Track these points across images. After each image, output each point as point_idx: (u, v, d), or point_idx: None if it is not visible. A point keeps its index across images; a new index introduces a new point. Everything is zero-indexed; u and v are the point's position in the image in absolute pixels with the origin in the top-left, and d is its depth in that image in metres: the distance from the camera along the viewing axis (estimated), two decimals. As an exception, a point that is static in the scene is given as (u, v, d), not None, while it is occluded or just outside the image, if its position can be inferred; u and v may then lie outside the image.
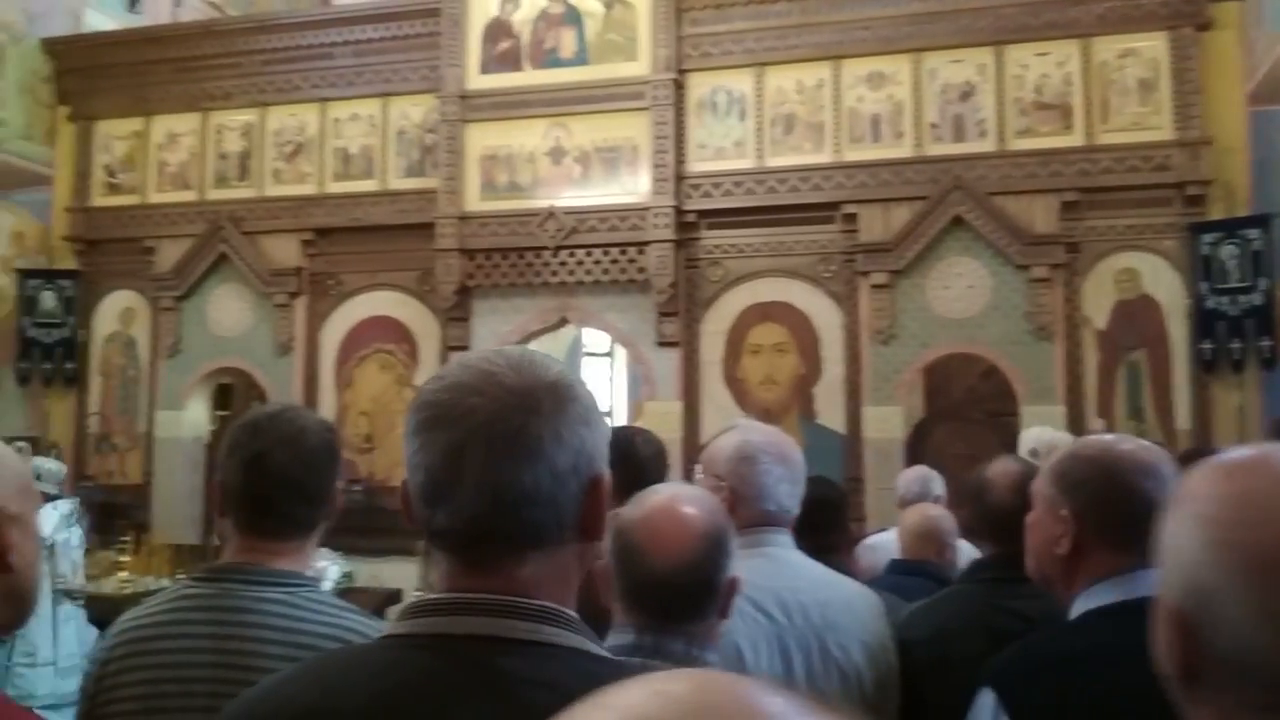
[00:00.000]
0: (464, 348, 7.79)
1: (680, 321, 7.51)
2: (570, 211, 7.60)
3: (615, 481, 1.04)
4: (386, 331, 8.27)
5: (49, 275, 8.93)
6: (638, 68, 7.60)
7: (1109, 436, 1.85)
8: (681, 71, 7.56)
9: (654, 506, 1.65)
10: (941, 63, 7.22)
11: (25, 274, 8.91)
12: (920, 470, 4.29)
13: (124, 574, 5.21)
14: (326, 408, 8.06)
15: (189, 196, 8.74)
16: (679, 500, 1.68)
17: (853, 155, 7.31)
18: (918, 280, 7.15)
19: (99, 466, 8.71)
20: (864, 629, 2.03)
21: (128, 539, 5.53)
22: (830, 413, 7.24)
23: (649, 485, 1.76)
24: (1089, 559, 1.62)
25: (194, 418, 8.66)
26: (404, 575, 7.01)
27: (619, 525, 1.63)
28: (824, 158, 7.36)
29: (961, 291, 7.08)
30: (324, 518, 1.70)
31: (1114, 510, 1.60)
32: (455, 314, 7.92)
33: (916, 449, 7.16)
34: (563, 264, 7.64)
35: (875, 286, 7.18)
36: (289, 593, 1.58)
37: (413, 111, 8.24)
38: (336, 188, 8.39)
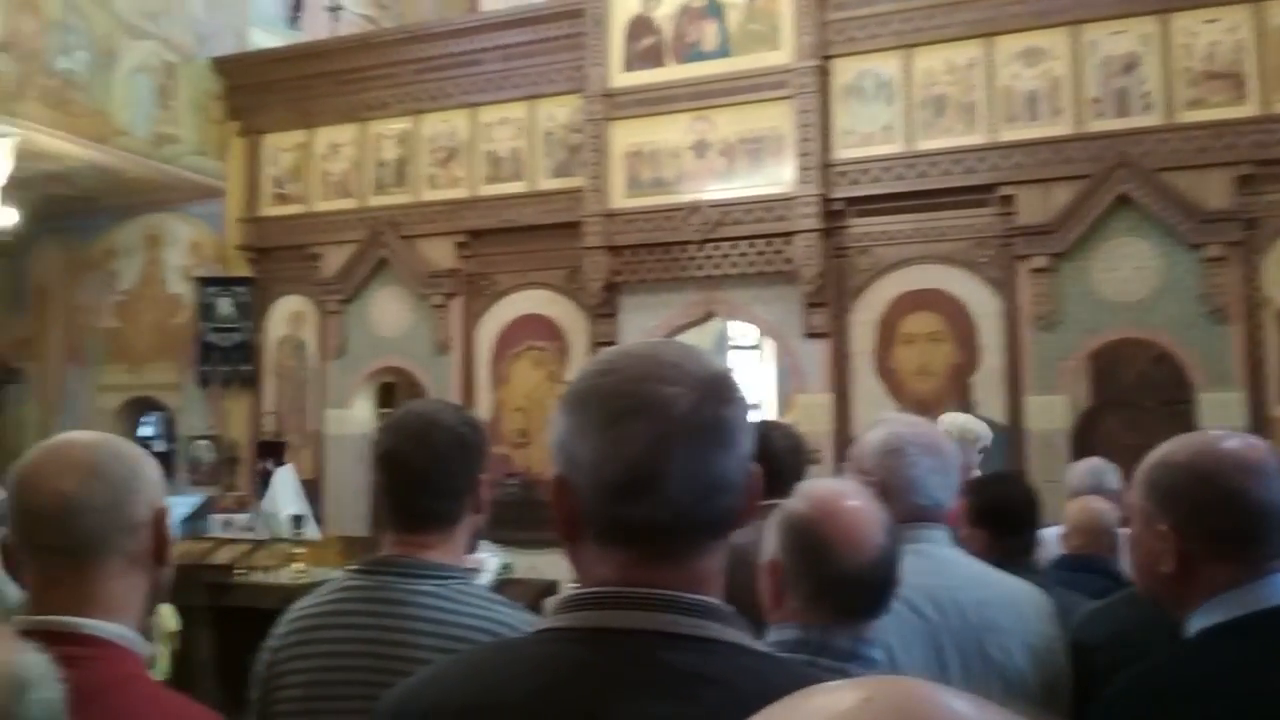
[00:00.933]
0: (612, 343, 7.88)
1: (829, 312, 7.39)
2: (715, 204, 7.59)
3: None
4: (537, 329, 8.45)
5: (224, 283, 9.47)
6: (781, 56, 7.52)
7: (1205, 434, 1.63)
8: (825, 58, 7.44)
9: (833, 502, 1.63)
10: (1102, 34, 6.87)
11: (203, 282, 9.50)
12: (1093, 462, 4.08)
13: (299, 565, 5.47)
14: (483, 404, 8.30)
15: (350, 204, 9.12)
16: (851, 495, 1.66)
17: (1008, 135, 7.05)
18: (1081, 263, 6.84)
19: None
20: (1028, 630, 1.95)
21: (300, 531, 5.81)
22: (989, 403, 7.00)
23: (787, 480, 1.74)
24: (1198, 575, 1.45)
25: (360, 415, 9.04)
26: (559, 567, 7.13)
27: (792, 521, 1.62)
28: (977, 139, 7.12)
29: (1129, 273, 6.73)
30: (467, 510, 1.72)
31: (1218, 519, 1.43)
32: (603, 310, 8.02)
33: (1084, 440, 6.83)
34: (708, 257, 7.64)
35: (1035, 270, 6.90)
36: (440, 585, 1.62)
37: (559, 112, 8.37)
38: (487, 190, 8.60)
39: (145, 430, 10.51)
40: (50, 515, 1.18)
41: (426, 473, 1.67)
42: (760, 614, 1.59)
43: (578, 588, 1.01)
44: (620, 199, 7.91)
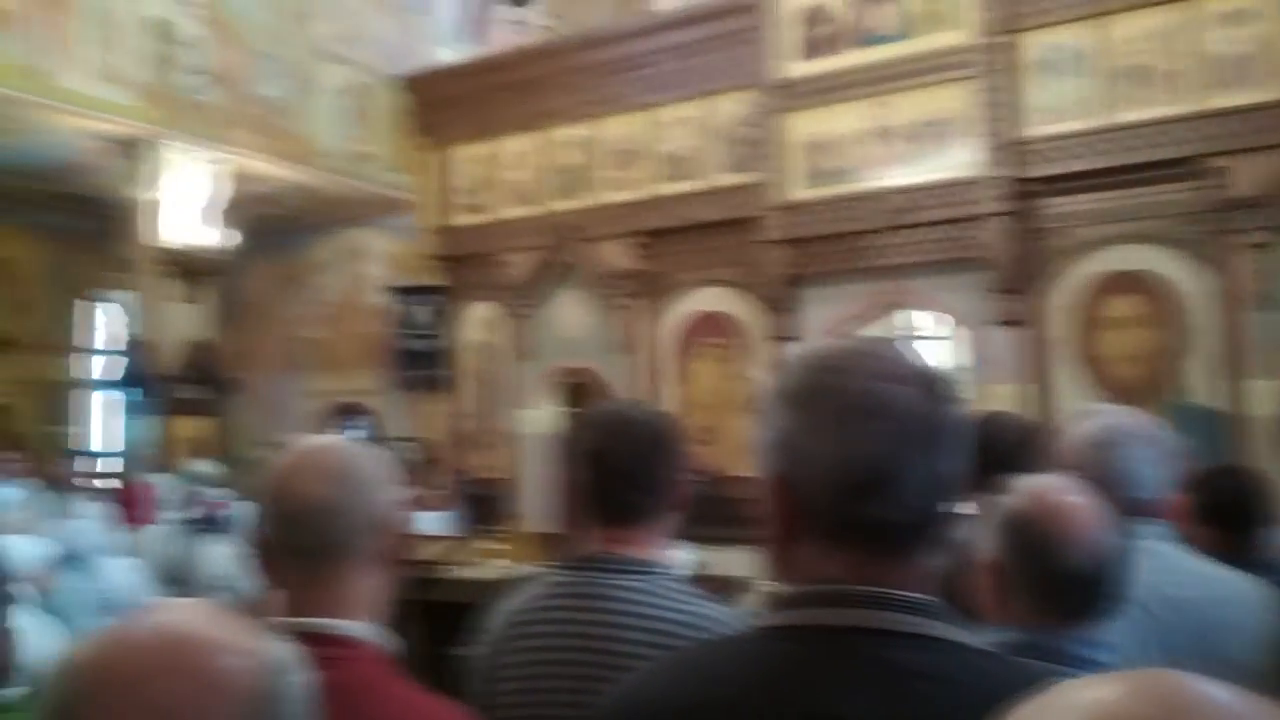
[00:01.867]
0: (793, 338, 7.80)
1: (1022, 298, 7.08)
2: (898, 191, 7.39)
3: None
4: (718, 326, 8.45)
5: (420, 291, 9.91)
6: (962, 35, 7.25)
7: None
8: (1010, 32, 7.13)
9: (1056, 497, 1.57)
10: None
11: (399, 291, 9.97)
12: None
13: (501, 560, 5.67)
14: (669, 402, 8.36)
15: (534, 210, 9.36)
16: (1074, 490, 1.59)
17: (1217, 102, 6.56)
18: (1304, 235, 6.31)
19: (472, 462, 9.54)
20: (1262, 629, 1.81)
21: (503, 528, 6.01)
22: (1204, 389, 6.55)
23: (1015, 475, 1.67)
24: None
25: (549, 415, 9.28)
26: (745, 564, 7.10)
27: (1013, 519, 1.56)
28: (1183, 108, 6.66)
29: (1359, 244, 6.16)
30: (667, 506, 1.74)
31: None
32: (784, 305, 7.94)
33: (1314, 425, 6.31)
34: (892, 246, 7.45)
35: (1254, 246, 6.41)
36: (644, 580, 1.64)
37: (733, 108, 8.34)
38: (665, 190, 8.67)
39: (354, 433, 11.12)
40: (305, 518, 1.23)
41: (631, 468, 1.69)
42: (975, 614, 1.54)
43: (795, 585, 1.00)
44: (799, 190, 7.82)
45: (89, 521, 4.29)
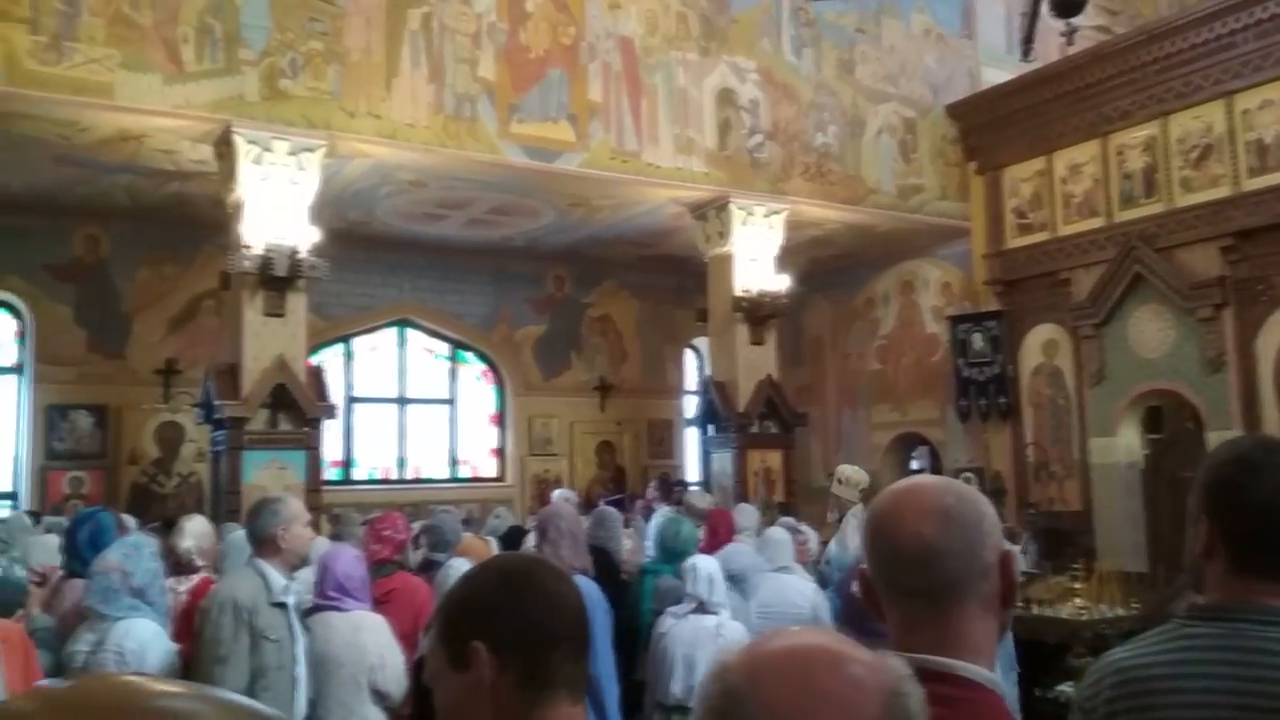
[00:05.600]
0: None
1: None
2: None
3: None
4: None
5: (975, 319, 9.74)
6: None
7: None
8: None
9: None
10: None
11: (955, 320, 9.88)
12: None
13: (1078, 600, 5.33)
14: (1270, 425, 7.33)
15: (1096, 223, 8.79)
16: None
17: None
18: None
19: (1040, 494, 9.12)
20: None
21: (1078, 566, 5.66)
22: None
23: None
24: None
25: (1126, 443, 8.57)
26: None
27: None
28: None
29: None
30: None
31: None
32: None
33: None
34: None
35: None
36: None
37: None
38: (1254, 184, 7.66)
39: (914, 464, 11.19)
40: (911, 558, 1.23)
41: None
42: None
43: None
44: None
45: (744, 545, 4.74)
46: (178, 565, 4.12)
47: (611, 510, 5.31)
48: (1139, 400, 8.55)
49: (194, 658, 3.12)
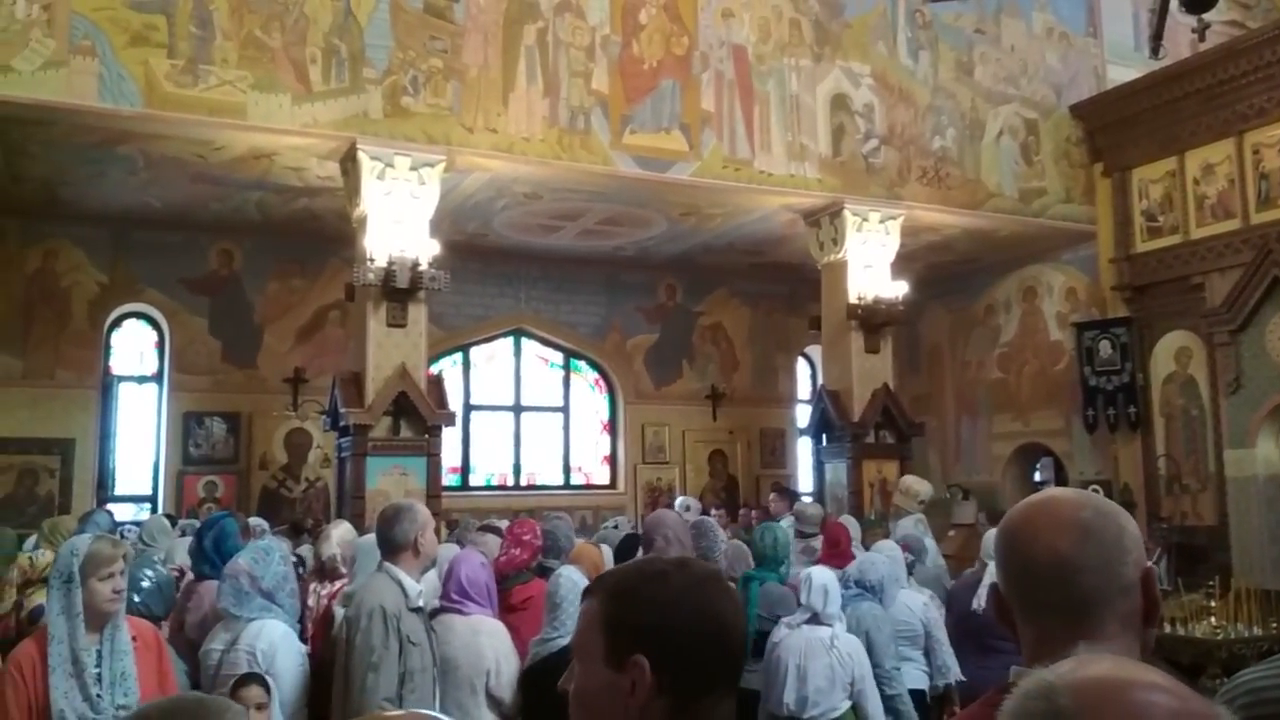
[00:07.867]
0: None
1: None
2: None
3: None
4: None
5: (1102, 326, 9.41)
6: None
7: None
8: None
9: None
10: None
11: (1081, 327, 9.55)
12: None
13: (1213, 620, 5.09)
14: None
15: (1231, 225, 8.41)
16: None
17: None
18: None
19: (1171, 508, 8.75)
20: None
21: (1212, 583, 5.40)
22: None
23: None
24: None
25: (1264, 455, 8.15)
26: None
27: None
28: None
29: None
30: None
31: None
32: None
33: None
34: None
35: None
36: None
37: None
38: None
39: (1037, 476, 10.85)
40: (1047, 573, 1.20)
41: None
42: None
43: None
44: None
45: (880, 555, 4.70)
46: (321, 571, 4.25)
47: (711, 520, 5.34)
48: (1278, 410, 8.12)
49: (346, 665, 3.16)
